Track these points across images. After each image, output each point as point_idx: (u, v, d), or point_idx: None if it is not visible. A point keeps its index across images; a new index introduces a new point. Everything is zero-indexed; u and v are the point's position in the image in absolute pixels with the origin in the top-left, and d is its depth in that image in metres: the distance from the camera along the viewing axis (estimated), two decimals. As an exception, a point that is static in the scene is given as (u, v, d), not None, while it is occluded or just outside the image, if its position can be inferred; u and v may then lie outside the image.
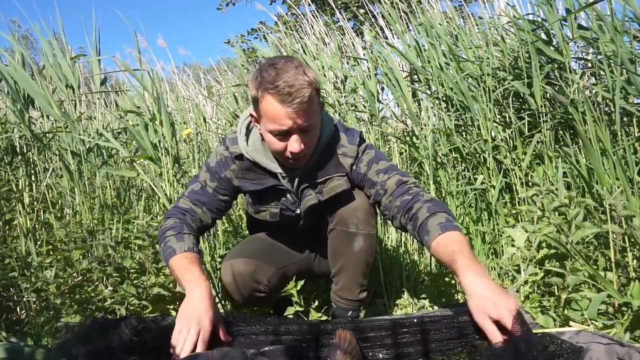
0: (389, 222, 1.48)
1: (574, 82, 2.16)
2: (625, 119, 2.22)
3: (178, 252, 1.29)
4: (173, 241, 1.32)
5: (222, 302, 1.78)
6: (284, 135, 1.29)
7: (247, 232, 1.89)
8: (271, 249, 1.61)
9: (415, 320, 1.21)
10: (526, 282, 1.55)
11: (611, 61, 2.05)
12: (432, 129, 2.32)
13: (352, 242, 1.45)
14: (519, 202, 2.16)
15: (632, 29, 2.11)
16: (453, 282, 2.01)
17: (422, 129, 2.48)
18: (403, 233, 2.19)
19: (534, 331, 1.11)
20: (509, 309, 1.03)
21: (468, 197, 2.27)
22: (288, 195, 1.49)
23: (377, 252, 1.56)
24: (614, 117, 1.94)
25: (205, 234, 2.18)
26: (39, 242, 2.11)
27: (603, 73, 2.14)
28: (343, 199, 1.43)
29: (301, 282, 1.54)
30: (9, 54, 2.60)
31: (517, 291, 1.52)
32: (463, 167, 2.41)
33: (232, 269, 1.52)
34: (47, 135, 2.67)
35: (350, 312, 1.53)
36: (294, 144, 1.29)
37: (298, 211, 1.49)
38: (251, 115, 1.38)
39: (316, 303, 1.58)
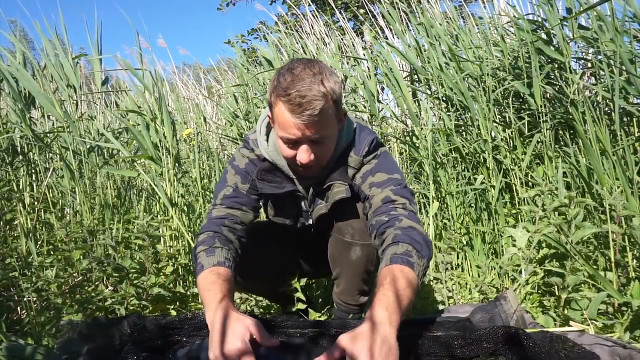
0: None
1: (574, 82, 2.17)
2: (625, 118, 2.22)
3: (205, 267, 1.16)
4: (203, 257, 1.20)
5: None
6: (293, 144, 1.24)
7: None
8: (272, 243, 1.60)
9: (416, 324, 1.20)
10: (527, 282, 1.55)
11: (611, 61, 2.05)
12: (431, 129, 2.32)
13: (348, 251, 1.42)
14: (519, 202, 2.16)
15: (632, 29, 2.11)
16: (453, 282, 2.01)
17: (422, 129, 2.49)
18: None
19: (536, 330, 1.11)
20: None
21: (468, 197, 2.27)
22: (303, 203, 1.45)
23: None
24: (613, 117, 1.95)
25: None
26: (39, 242, 2.12)
27: (603, 73, 2.14)
28: (346, 209, 1.38)
29: (304, 280, 1.54)
30: (10, 54, 2.60)
31: (518, 292, 1.52)
32: (463, 167, 2.41)
33: None
34: (48, 135, 2.67)
35: (351, 315, 1.53)
36: (303, 154, 1.24)
37: (310, 221, 1.45)
38: (269, 117, 1.33)
39: (318, 302, 1.58)
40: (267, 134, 1.40)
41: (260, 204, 1.45)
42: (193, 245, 1.37)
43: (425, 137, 2.39)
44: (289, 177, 1.39)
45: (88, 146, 2.48)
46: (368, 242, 1.40)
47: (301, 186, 1.41)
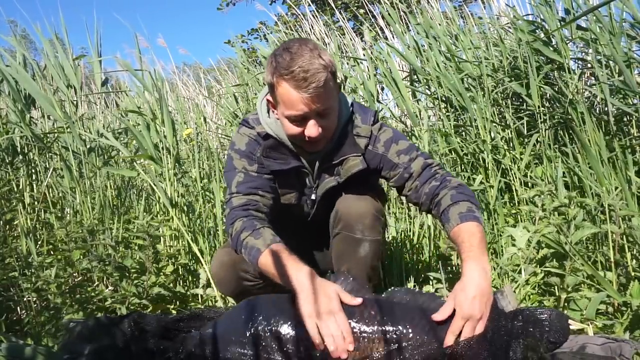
0: (413, 205, 1.46)
1: (573, 82, 2.17)
2: (625, 118, 2.22)
3: (263, 248, 1.22)
4: (252, 241, 1.25)
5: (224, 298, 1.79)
6: (300, 120, 1.26)
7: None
8: None
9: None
10: (526, 282, 1.55)
11: (610, 62, 2.06)
12: (427, 129, 2.32)
13: (357, 247, 1.43)
14: (518, 202, 2.16)
15: (630, 30, 2.12)
16: (454, 282, 2.01)
17: (421, 129, 2.49)
18: (402, 233, 2.21)
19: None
20: (473, 316, 1.07)
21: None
22: (307, 179, 1.46)
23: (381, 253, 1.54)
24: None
25: (206, 234, 2.19)
26: (39, 242, 2.12)
27: (601, 74, 2.14)
28: (360, 181, 1.41)
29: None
30: (11, 55, 2.60)
31: (515, 290, 1.53)
32: (462, 168, 2.41)
33: (217, 260, 1.50)
34: (48, 135, 2.67)
35: None
36: (312, 129, 1.26)
37: (313, 197, 1.46)
38: (267, 100, 1.36)
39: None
40: (268, 112, 1.40)
41: (273, 184, 1.43)
42: (226, 229, 1.38)
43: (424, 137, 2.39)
44: (294, 152, 1.40)
45: (88, 146, 2.48)
46: (376, 237, 1.43)
47: (305, 161, 1.42)
